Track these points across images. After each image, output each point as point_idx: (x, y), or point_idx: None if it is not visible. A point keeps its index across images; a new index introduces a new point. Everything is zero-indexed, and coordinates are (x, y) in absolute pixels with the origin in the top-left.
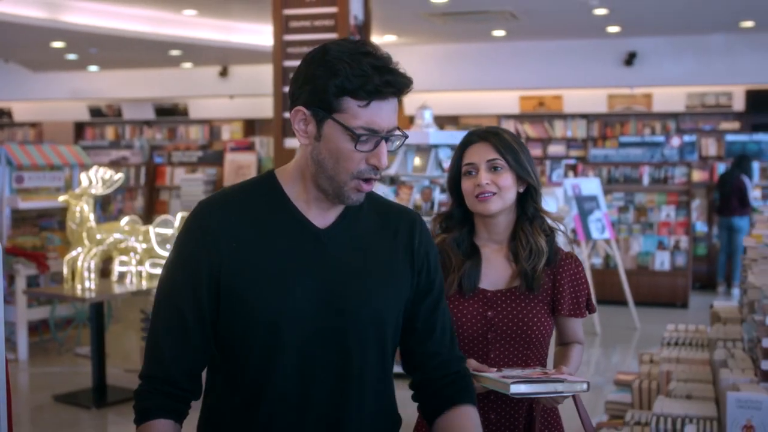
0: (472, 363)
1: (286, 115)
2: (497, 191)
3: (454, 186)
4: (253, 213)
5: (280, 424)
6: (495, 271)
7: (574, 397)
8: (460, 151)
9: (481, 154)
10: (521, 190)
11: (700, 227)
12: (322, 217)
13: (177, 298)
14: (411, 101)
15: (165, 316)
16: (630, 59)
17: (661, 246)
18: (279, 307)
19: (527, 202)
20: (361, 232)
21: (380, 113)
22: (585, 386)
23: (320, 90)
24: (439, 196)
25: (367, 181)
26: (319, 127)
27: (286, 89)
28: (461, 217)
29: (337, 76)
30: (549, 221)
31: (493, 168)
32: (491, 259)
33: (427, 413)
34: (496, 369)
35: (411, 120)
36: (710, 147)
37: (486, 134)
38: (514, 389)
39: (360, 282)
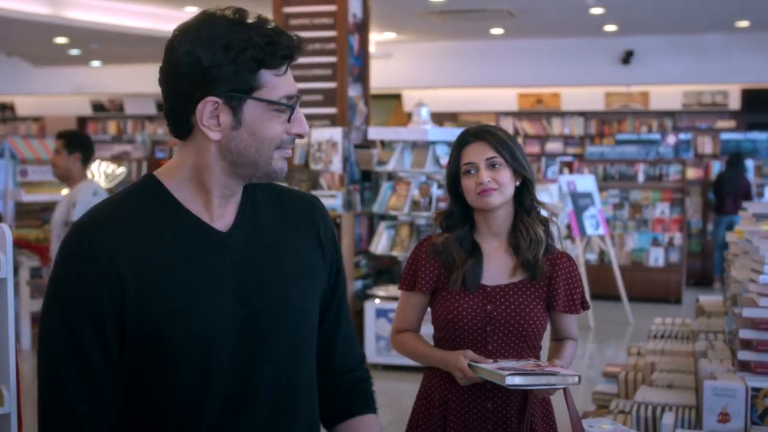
0: (469, 354)
1: None
2: (497, 187)
3: (453, 185)
4: (145, 227)
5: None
6: (495, 266)
7: (564, 389)
8: (457, 150)
9: (479, 153)
10: (518, 183)
11: (695, 224)
12: (220, 219)
13: (79, 346)
14: (410, 98)
15: (70, 371)
16: (627, 58)
17: (655, 242)
18: (203, 333)
19: (524, 194)
20: (264, 227)
21: (291, 78)
22: (576, 379)
23: (230, 72)
24: (437, 192)
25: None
26: (236, 113)
27: None
28: (462, 215)
29: (245, 49)
30: (543, 212)
31: (492, 165)
32: (491, 255)
33: (324, 418)
34: (492, 360)
35: (409, 116)
36: (706, 145)
37: (481, 133)
38: (509, 381)
39: (279, 283)
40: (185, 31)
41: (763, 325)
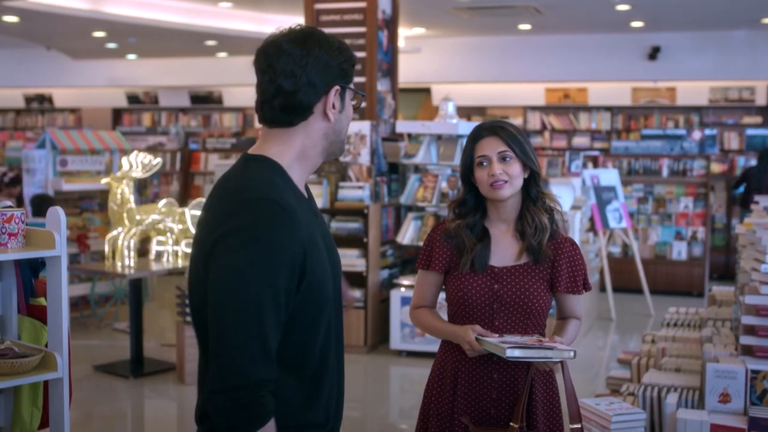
0: (477, 328)
1: None
2: (508, 179)
3: (466, 175)
4: (292, 196)
5: (331, 400)
6: (503, 249)
7: (563, 363)
8: (471, 144)
9: (492, 147)
10: (526, 175)
11: (719, 219)
12: (304, 194)
13: (275, 292)
14: (439, 92)
15: (266, 311)
16: (654, 53)
17: (678, 236)
18: (331, 286)
19: (531, 185)
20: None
21: None
22: (572, 354)
23: (340, 68)
24: None
25: None
26: (342, 100)
27: None
28: (474, 204)
29: (346, 52)
30: (549, 202)
31: (503, 159)
32: (500, 239)
33: None
34: (498, 335)
35: (438, 110)
36: (732, 140)
37: (494, 128)
38: (509, 353)
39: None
40: (300, 41)
41: (764, 312)
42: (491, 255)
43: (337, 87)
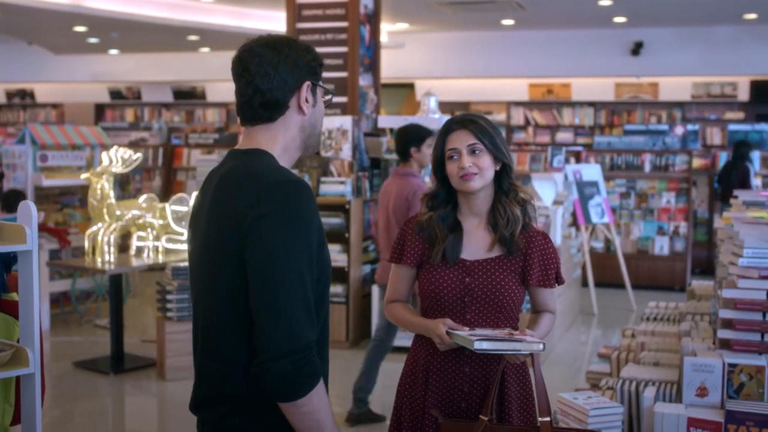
0: (448, 322)
1: None
2: (478, 171)
3: (438, 169)
4: None
5: (328, 376)
6: (475, 242)
7: (532, 355)
8: (442, 137)
9: (462, 140)
10: (497, 168)
11: (701, 213)
12: None
13: (310, 261)
14: (422, 87)
15: (307, 280)
16: (636, 49)
17: (660, 231)
18: (329, 257)
19: (503, 178)
20: None
21: None
22: (541, 347)
23: (309, 66)
24: None
25: None
26: (314, 95)
27: None
28: (446, 196)
29: (312, 52)
30: (521, 194)
31: (473, 151)
32: (471, 232)
33: None
34: (469, 328)
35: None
36: (714, 136)
37: (464, 122)
38: (477, 345)
39: None
40: (270, 44)
41: (741, 306)
42: (463, 248)
43: (308, 82)
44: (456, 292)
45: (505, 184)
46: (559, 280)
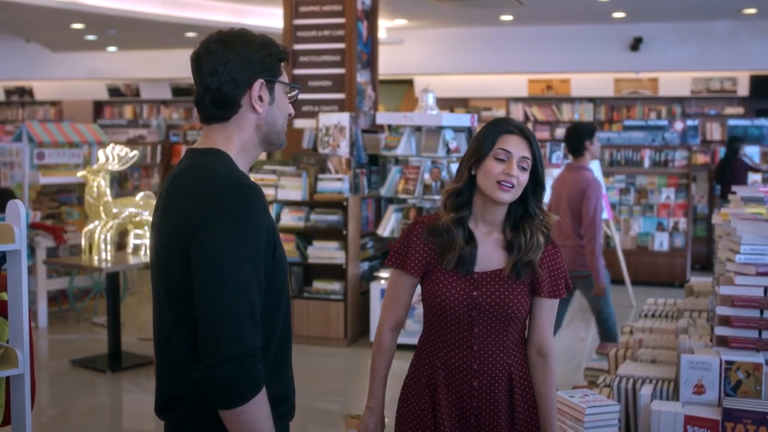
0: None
1: None
2: (515, 185)
3: (474, 164)
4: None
5: (292, 377)
6: (484, 253)
7: None
8: (494, 135)
9: (518, 147)
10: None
11: (701, 209)
12: None
13: (257, 266)
14: (421, 84)
15: (252, 285)
16: (636, 44)
17: (660, 227)
18: (286, 263)
19: (530, 199)
20: None
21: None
22: None
23: (262, 62)
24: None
25: None
26: (272, 93)
27: (296, 71)
28: (467, 197)
29: (269, 48)
30: (547, 221)
31: (522, 164)
32: (481, 241)
33: None
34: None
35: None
36: (714, 131)
37: (525, 132)
38: None
39: None
40: (224, 41)
41: (738, 302)
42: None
43: (260, 80)
44: (463, 306)
45: (532, 206)
46: (567, 287)
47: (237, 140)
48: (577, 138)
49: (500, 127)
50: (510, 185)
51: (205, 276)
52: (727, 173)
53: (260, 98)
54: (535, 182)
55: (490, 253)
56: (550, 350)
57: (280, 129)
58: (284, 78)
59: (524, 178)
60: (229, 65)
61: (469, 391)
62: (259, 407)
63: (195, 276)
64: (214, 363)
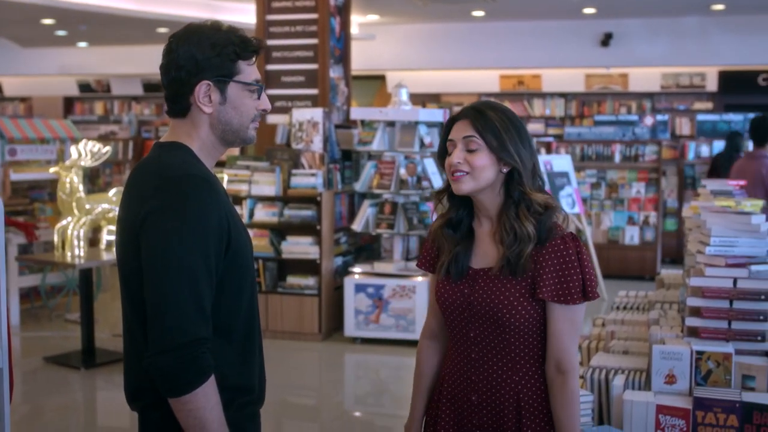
0: None
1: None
2: (470, 171)
3: (443, 163)
4: (209, 173)
5: (260, 369)
6: (482, 250)
7: None
8: (447, 129)
9: (459, 131)
10: (504, 170)
11: (671, 203)
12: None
13: (208, 259)
14: (394, 79)
15: (200, 276)
16: (606, 40)
17: (631, 221)
18: (251, 257)
19: (512, 184)
20: None
21: (256, 68)
22: None
23: (209, 62)
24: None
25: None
26: (223, 93)
27: (269, 67)
28: (458, 196)
29: (222, 48)
30: (537, 206)
31: (468, 146)
32: (482, 238)
33: None
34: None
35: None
36: (683, 126)
37: (468, 110)
38: None
39: None
40: (180, 37)
41: (708, 293)
42: (473, 256)
43: (205, 82)
44: (457, 305)
45: (515, 192)
46: (588, 294)
47: (196, 137)
48: (763, 129)
49: (450, 119)
50: (460, 173)
51: (151, 266)
52: (727, 170)
53: (209, 98)
54: (504, 162)
55: (487, 250)
56: (569, 366)
57: (237, 128)
58: (244, 76)
59: (479, 160)
60: (179, 62)
61: (468, 406)
62: (205, 396)
63: (143, 267)
64: (158, 352)
